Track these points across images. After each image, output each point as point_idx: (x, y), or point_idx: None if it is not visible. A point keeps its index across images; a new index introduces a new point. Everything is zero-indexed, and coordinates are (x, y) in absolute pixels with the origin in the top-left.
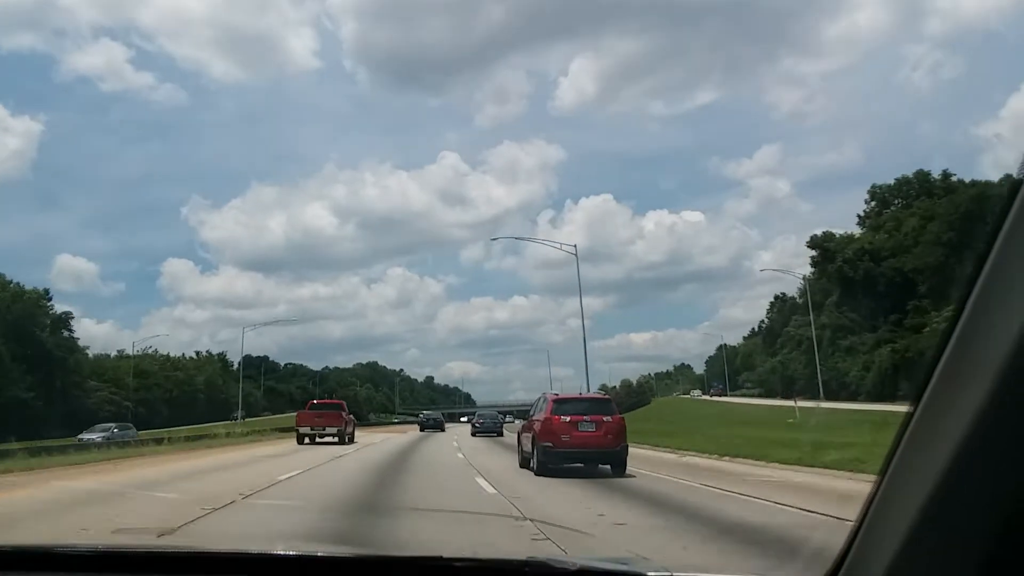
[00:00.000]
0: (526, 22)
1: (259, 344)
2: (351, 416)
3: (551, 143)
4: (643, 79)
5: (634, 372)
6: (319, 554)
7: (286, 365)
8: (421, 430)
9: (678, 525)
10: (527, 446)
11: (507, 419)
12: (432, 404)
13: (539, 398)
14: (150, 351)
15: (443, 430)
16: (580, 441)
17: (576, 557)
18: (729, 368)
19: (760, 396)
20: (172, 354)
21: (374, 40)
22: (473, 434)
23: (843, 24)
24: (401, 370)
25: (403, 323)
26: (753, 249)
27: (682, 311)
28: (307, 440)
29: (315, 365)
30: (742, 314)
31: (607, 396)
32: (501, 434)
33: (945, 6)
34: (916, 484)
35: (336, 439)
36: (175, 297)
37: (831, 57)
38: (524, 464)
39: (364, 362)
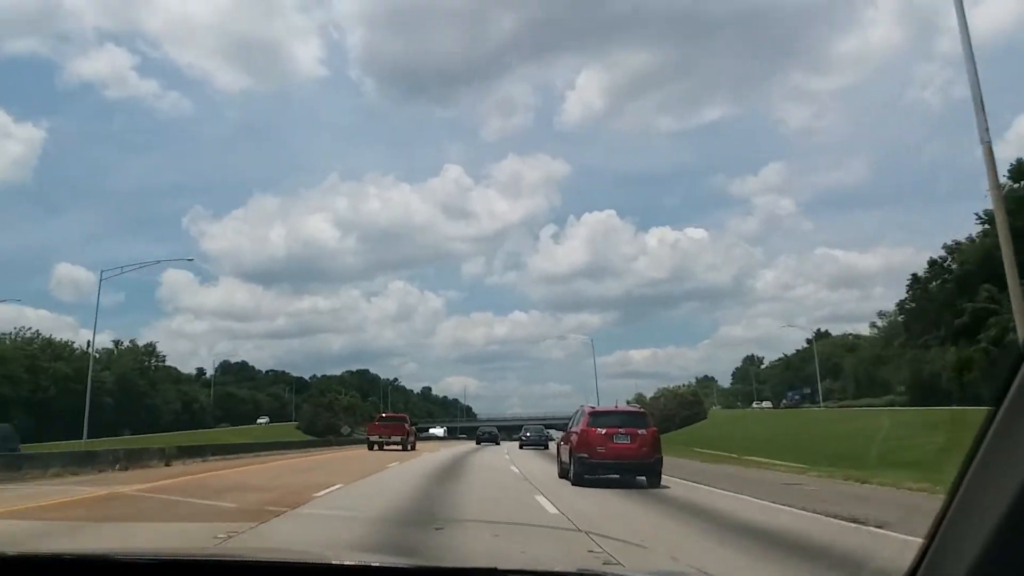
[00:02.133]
0: (535, 34)
1: (254, 356)
2: (413, 427)
3: (556, 157)
4: (651, 94)
5: (634, 389)
6: (374, 564)
7: (267, 372)
8: (477, 443)
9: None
10: (565, 457)
11: (550, 434)
12: (430, 417)
13: (577, 411)
14: (28, 332)
15: (498, 443)
16: (615, 453)
17: (631, 570)
18: (756, 378)
19: (914, 404)
20: (60, 338)
21: (381, 50)
22: (521, 447)
23: (854, 41)
24: (395, 379)
25: (402, 337)
26: (755, 268)
27: (683, 328)
28: (376, 447)
29: (305, 375)
30: (743, 332)
31: (642, 410)
32: (547, 447)
33: (957, 24)
34: (994, 498)
35: (400, 446)
36: (173, 308)
37: (841, 74)
38: (563, 474)
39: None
